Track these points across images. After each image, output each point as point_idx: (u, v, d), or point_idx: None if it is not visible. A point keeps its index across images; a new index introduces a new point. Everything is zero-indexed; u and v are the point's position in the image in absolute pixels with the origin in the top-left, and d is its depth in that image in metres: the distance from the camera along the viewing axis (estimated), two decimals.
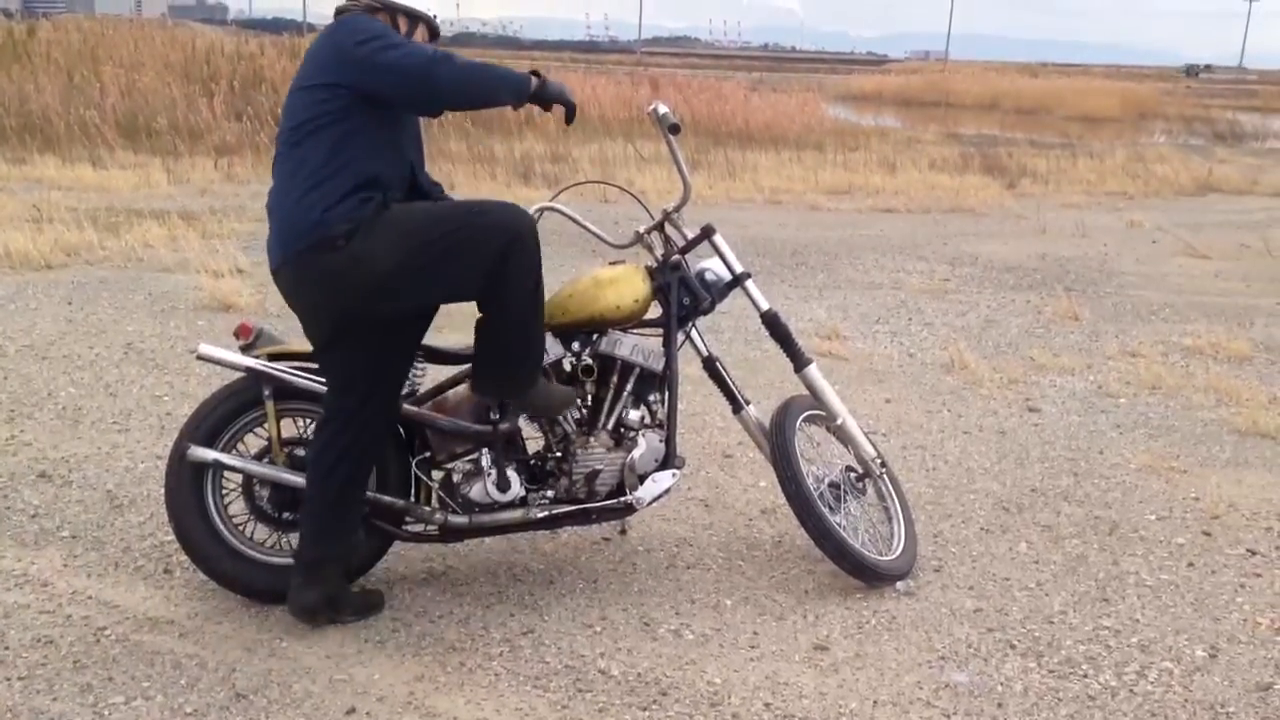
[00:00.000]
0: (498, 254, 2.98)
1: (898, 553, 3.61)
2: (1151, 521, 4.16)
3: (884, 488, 3.77)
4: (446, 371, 3.39)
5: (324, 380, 3.17)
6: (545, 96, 3.08)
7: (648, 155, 13.16)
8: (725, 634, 3.24)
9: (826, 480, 3.59)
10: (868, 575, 3.49)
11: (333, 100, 2.92)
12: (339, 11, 3.11)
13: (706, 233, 3.53)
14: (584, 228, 3.61)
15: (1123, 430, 5.20)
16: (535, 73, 3.10)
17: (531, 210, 3.49)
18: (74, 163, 12.35)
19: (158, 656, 2.99)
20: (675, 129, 3.26)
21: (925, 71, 59.39)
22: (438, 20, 3.24)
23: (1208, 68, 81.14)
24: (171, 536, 3.35)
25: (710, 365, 3.59)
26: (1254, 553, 3.92)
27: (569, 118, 3.16)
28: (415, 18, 3.14)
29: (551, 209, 3.60)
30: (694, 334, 3.55)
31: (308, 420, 3.35)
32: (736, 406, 3.62)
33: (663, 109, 3.27)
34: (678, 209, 3.53)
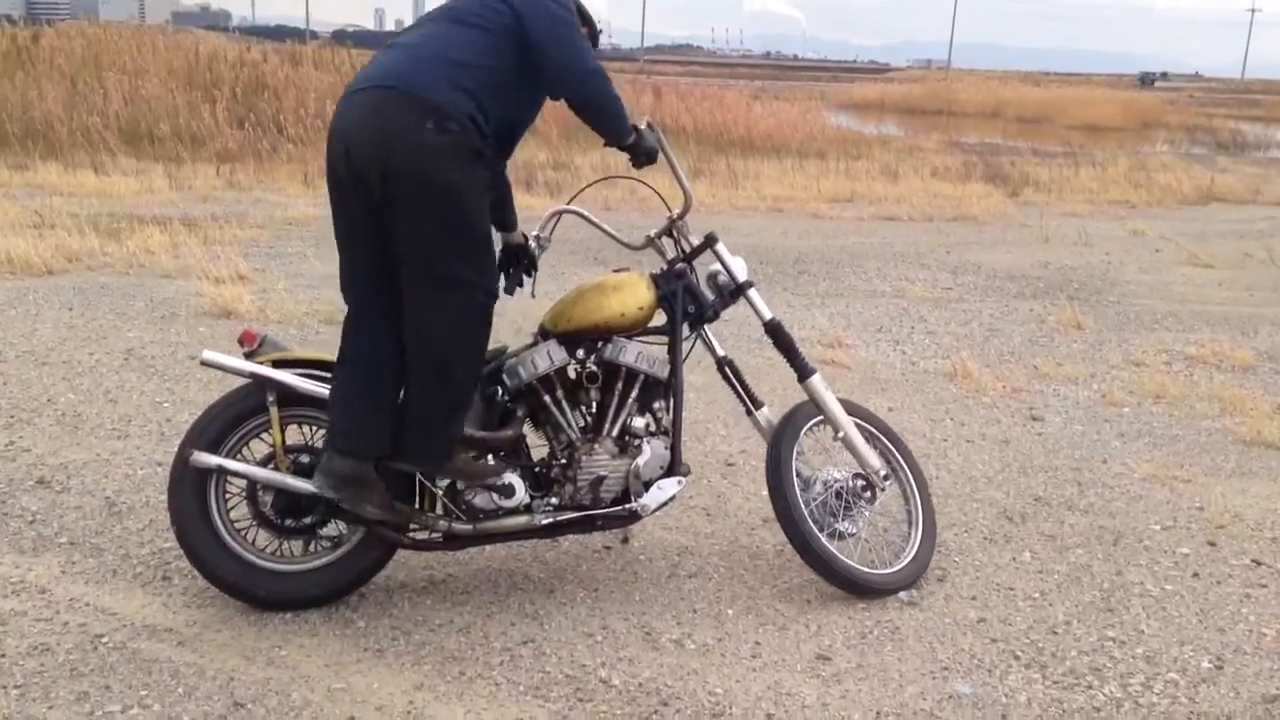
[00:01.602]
0: (470, 286, 3.03)
1: (905, 561, 3.59)
2: (1156, 531, 4.14)
3: (908, 489, 3.74)
4: None
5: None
6: (638, 150, 3.26)
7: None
8: (727, 643, 3.22)
9: (835, 487, 3.57)
10: (858, 591, 3.48)
11: (499, 18, 3.01)
12: None
13: (709, 241, 3.53)
14: (600, 229, 3.60)
15: (1126, 439, 5.18)
16: (635, 127, 3.25)
17: (548, 212, 3.49)
18: (76, 169, 12.35)
19: (155, 664, 2.97)
20: (652, 157, 3.30)
21: (927, 80, 59.53)
22: (600, 35, 3.37)
23: (1164, 75, 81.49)
24: (170, 543, 3.34)
25: (724, 367, 3.57)
26: (1259, 563, 3.89)
27: (637, 163, 3.30)
28: (585, 19, 3.26)
29: (569, 211, 3.58)
30: (709, 335, 3.55)
31: (312, 427, 3.34)
32: (749, 409, 3.60)
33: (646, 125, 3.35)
34: (681, 216, 3.53)
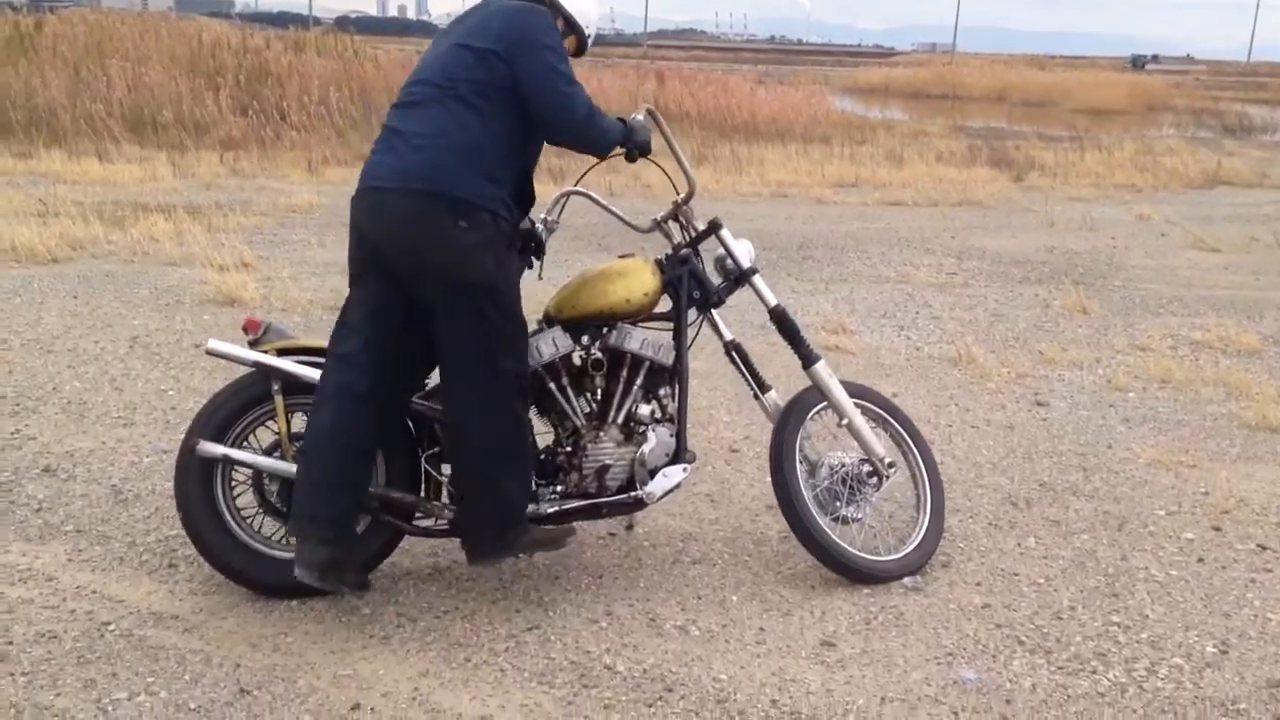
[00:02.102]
0: (508, 368, 3.09)
1: (911, 547, 3.59)
2: (1161, 517, 4.13)
3: (917, 473, 3.74)
4: None
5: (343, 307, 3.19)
6: (629, 145, 3.27)
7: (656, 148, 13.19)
8: (731, 630, 3.22)
9: (841, 472, 3.56)
10: (859, 578, 3.48)
11: (494, 79, 3.01)
12: None
13: (713, 227, 3.52)
14: (608, 210, 3.59)
15: (1131, 425, 5.18)
16: (622, 119, 3.27)
17: (556, 194, 3.50)
18: (80, 156, 12.35)
19: (162, 651, 2.98)
20: (645, 149, 3.31)
21: (932, 64, 59.20)
22: (589, 36, 3.38)
23: (1154, 58, 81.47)
24: (176, 531, 3.35)
25: (731, 350, 3.57)
26: (1264, 548, 3.89)
27: (630, 157, 3.31)
28: (573, 28, 3.30)
29: (577, 193, 3.58)
30: (715, 319, 3.55)
31: None
32: (756, 392, 3.60)
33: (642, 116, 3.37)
34: (686, 201, 3.52)
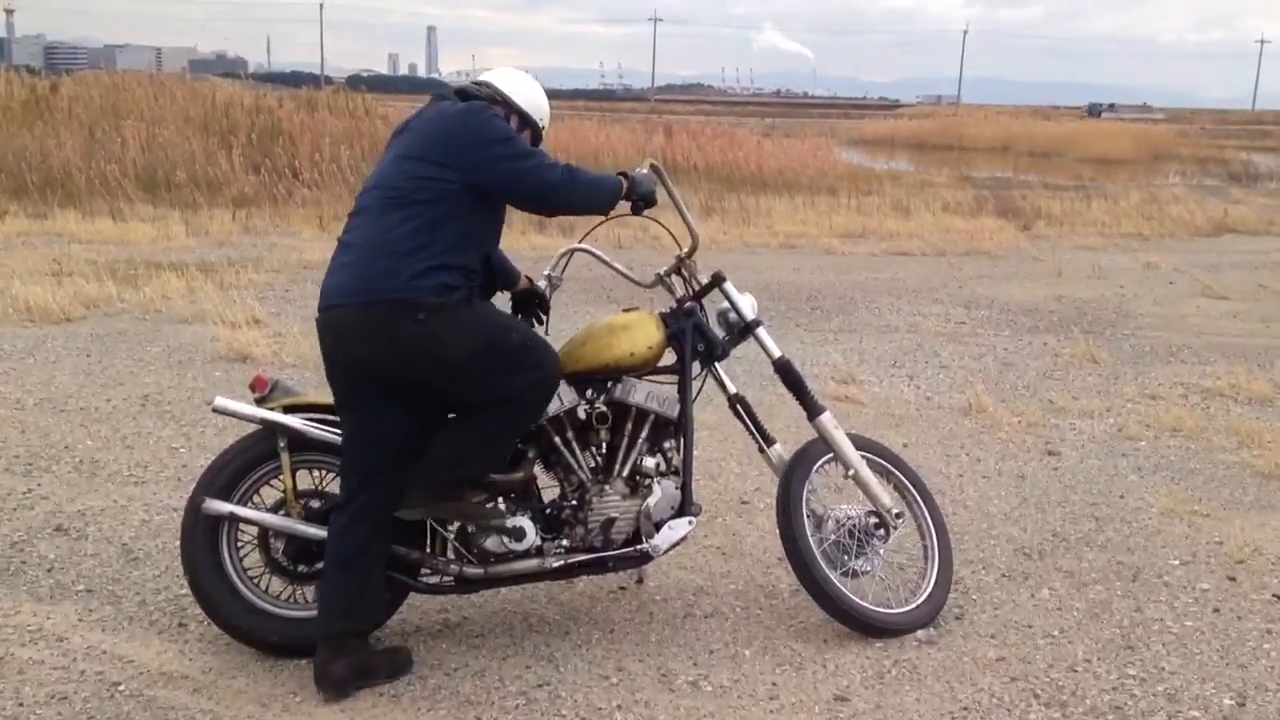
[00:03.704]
0: (529, 383, 3.11)
1: (921, 600, 3.57)
2: (1175, 567, 4.10)
3: (923, 525, 3.72)
4: None
5: (343, 440, 3.17)
6: (632, 198, 3.27)
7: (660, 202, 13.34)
8: (744, 685, 3.20)
9: (848, 525, 3.55)
10: (871, 631, 3.46)
11: (441, 184, 3.03)
12: (461, 93, 3.27)
13: (716, 280, 3.53)
14: (611, 267, 3.61)
15: (1144, 474, 5.15)
16: (623, 173, 3.28)
17: (561, 251, 3.52)
18: (94, 216, 12.50)
19: (172, 712, 2.97)
20: (649, 201, 3.32)
21: (937, 115, 59.68)
22: (542, 128, 3.40)
23: (1111, 106, 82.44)
24: (186, 590, 3.34)
25: (735, 404, 3.58)
26: None
27: (636, 210, 3.32)
28: (527, 122, 3.33)
29: (581, 250, 3.60)
30: (720, 373, 3.55)
31: (323, 472, 3.36)
32: (761, 446, 3.60)
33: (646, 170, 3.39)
34: (689, 255, 3.54)
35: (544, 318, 3.65)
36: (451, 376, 3.05)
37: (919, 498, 3.74)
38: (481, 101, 3.22)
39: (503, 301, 3.61)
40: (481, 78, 3.39)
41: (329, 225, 12.44)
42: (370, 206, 3.09)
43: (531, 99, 3.34)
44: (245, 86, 24.58)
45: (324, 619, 3.11)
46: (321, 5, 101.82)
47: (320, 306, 3.08)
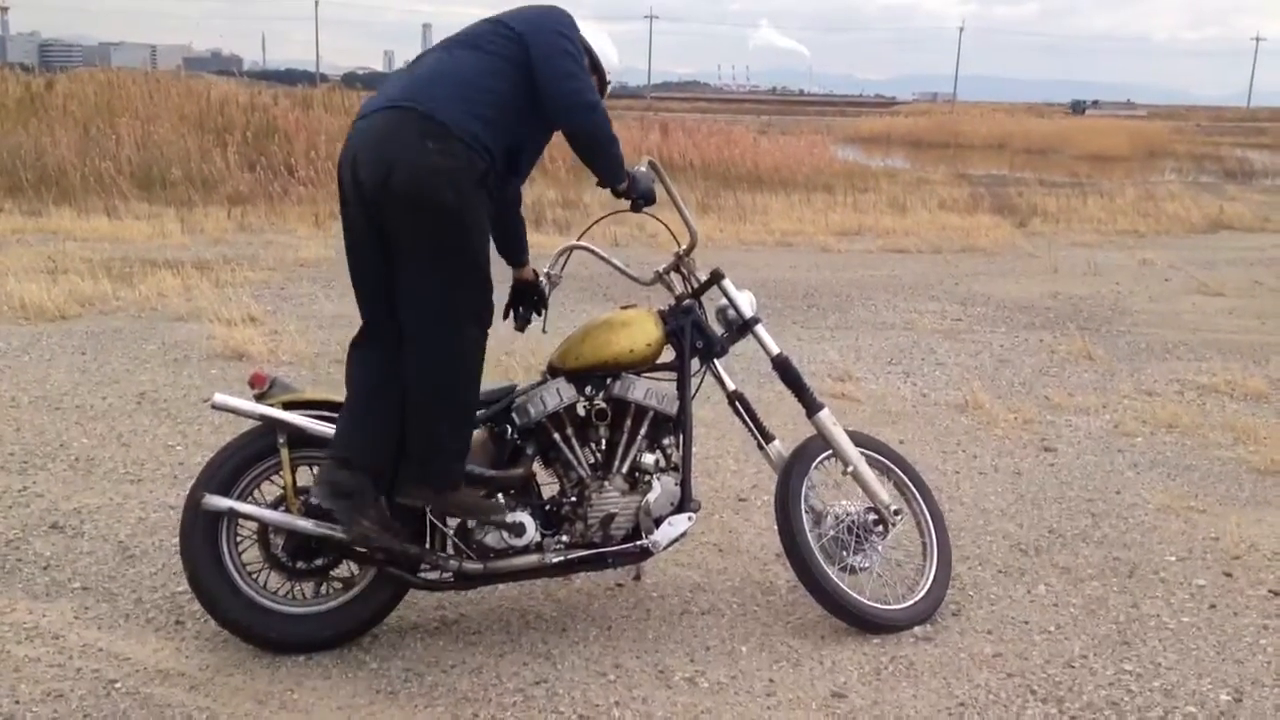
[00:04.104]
0: (467, 315, 3.06)
1: (919, 596, 3.57)
2: (1171, 563, 4.11)
3: (922, 521, 3.72)
4: None
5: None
6: (632, 194, 3.26)
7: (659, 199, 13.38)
8: (741, 681, 3.20)
9: (847, 521, 3.55)
10: (869, 627, 3.46)
11: (510, 47, 3.07)
12: None
13: (715, 277, 3.54)
14: (610, 264, 3.61)
15: (1140, 470, 5.16)
16: (630, 174, 3.26)
17: (560, 249, 3.51)
18: (89, 214, 12.46)
19: (168, 710, 2.97)
20: (649, 199, 3.30)
21: (933, 113, 59.71)
22: (610, 84, 3.39)
23: (1094, 103, 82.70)
24: (183, 587, 3.34)
25: (734, 401, 3.58)
26: (1276, 593, 3.86)
27: (635, 207, 3.31)
28: (597, 69, 3.31)
29: (580, 247, 3.60)
30: (719, 369, 3.55)
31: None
32: (760, 443, 3.60)
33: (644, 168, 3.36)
34: (688, 252, 3.54)
35: (540, 314, 3.66)
36: (412, 211, 2.95)
37: (918, 494, 3.74)
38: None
39: (500, 295, 3.62)
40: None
41: (324, 223, 12.43)
42: (433, 51, 3.16)
43: (606, 51, 3.34)
44: (240, 84, 24.55)
45: (339, 436, 3.13)
46: (317, 3, 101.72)
47: (356, 118, 3.11)
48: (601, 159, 3.18)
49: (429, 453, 3.13)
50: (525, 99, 3.07)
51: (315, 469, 3.31)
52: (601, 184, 3.25)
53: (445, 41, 3.20)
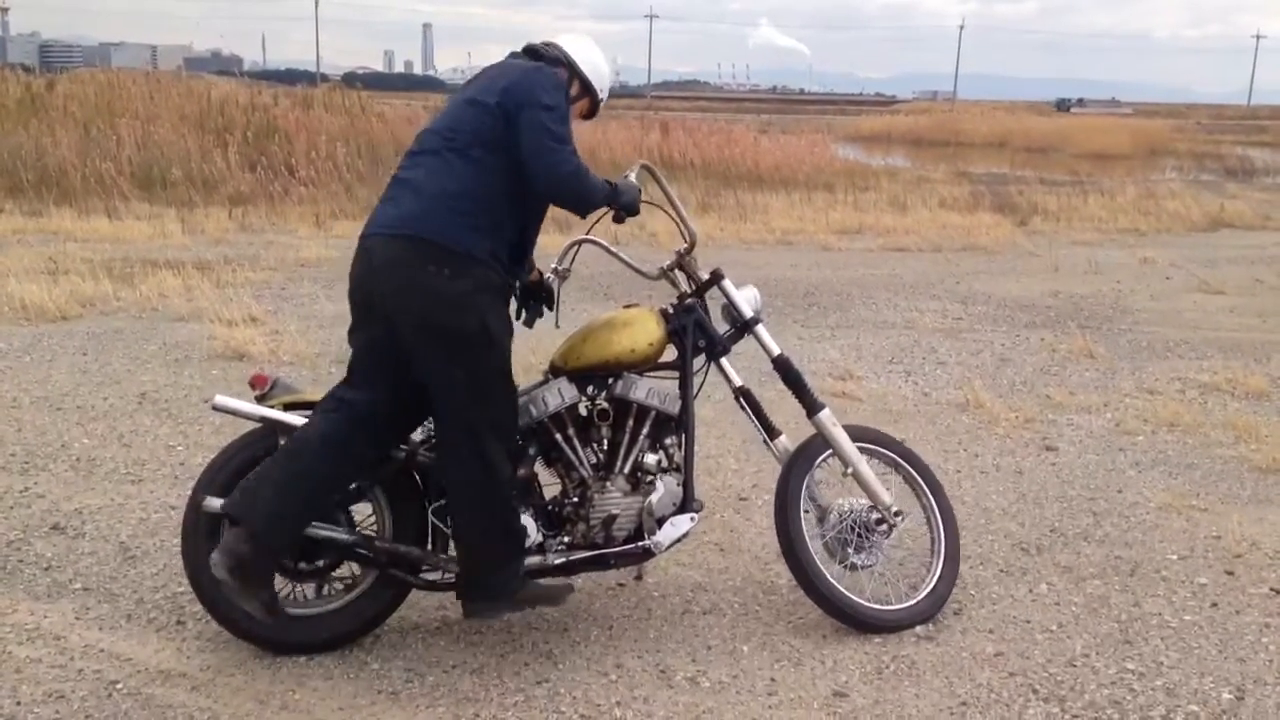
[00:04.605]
0: (493, 430, 3.10)
1: (923, 594, 3.57)
2: (1173, 561, 4.11)
3: (932, 517, 3.71)
4: None
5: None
6: (615, 206, 3.27)
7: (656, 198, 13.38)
8: (742, 680, 3.20)
9: (850, 519, 3.55)
10: (864, 626, 3.46)
11: (496, 132, 3.06)
12: (529, 52, 3.31)
13: (715, 277, 3.53)
14: (617, 257, 3.60)
15: (1141, 469, 5.15)
16: (609, 182, 3.27)
17: (568, 243, 3.51)
18: (90, 214, 12.47)
19: (170, 710, 2.97)
20: (631, 210, 3.30)
21: (933, 111, 59.66)
22: (601, 100, 3.43)
23: (1080, 101, 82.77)
24: (184, 588, 3.34)
25: (741, 396, 3.57)
26: (1278, 592, 3.86)
27: (618, 218, 3.33)
28: (587, 89, 3.36)
29: (588, 241, 3.60)
30: (725, 366, 3.55)
31: None
32: (767, 437, 3.60)
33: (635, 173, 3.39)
34: (687, 253, 3.54)
35: (547, 310, 3.65)
36: (430, 339, 3.00)
37: (928, 490, 3.73)
38: (550, 57, 3.27)
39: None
40: (553, 39, 3.39)
41: (325, 223, 12.44)
42: (426, 149, 3.14)
43: (596, 67, 3.36)
44: (241, 84, 24.53)
45: (258, 505, 3.04)
46: (317, 2, 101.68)
47: (362, 234, 3.13)
48: (576, 202, 3.21)
49: (486, 570, 3.16)
50: (518, 184, 3.09)
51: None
52: (582, 215, 3.30)
53: (432, 138, 3.15)
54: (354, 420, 3.08)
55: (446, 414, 3.08)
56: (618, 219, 3.31)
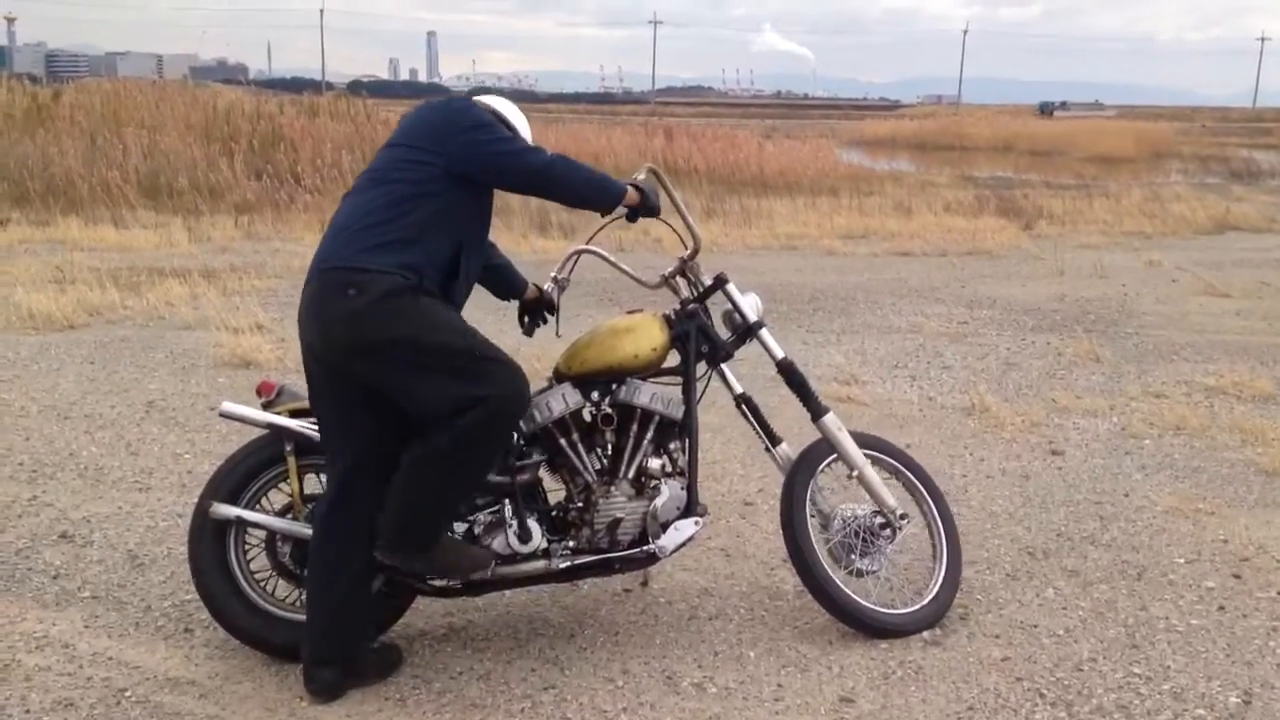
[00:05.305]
0: (472, 399, 2.94)
1: (926, 599, 3.57)
2: (1180, 565, 4.10)
3: (933, 524, 3.72)
4: None
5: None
6: (639, 210, 3.25)
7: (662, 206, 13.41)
8: (749, 686, 3.20)
9: (854, 524, 3.55)
10: (875, 632, 3.46)
11: (420, 169, 3.03)
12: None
13: (719, 282, 3.54)
14: (618, 268, 3.61)
15: (1148, 472, 5.15)
16: (634, 184, 3.24)
17: (567, 252, 3.51)
18: (96, 223, 12.52)
19: (178, 718, 2.97)
20: (654, 212, 3.30)
21: (937, 115, 59.69)
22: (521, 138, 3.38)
23: (1063, 104, 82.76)
24: (192, 595, 3.35)
25: (742, 403, 3.58)
26: None
27: (631, 218, 3.30)
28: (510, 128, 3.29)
29: (588, 251, 3.60)
30: (726, 373, 3.56)
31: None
32: (768, 445, 3.60)
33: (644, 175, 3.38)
34: (692, 258, 3.55)
35: (548, 318, 3.67)
36: (364, 358, 2.94)
37: (929, 496, 3.73)
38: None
39: (510, 308, 3.64)
40: (477, 98, 3.37)
41: None
42: (354, 188, 3.14)
43: (521, 120, 3.34)
44: (246, 92, 24.65)
45: (308, 634, 3.10)
46: (322, 11, 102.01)
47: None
48: (579, 194, 3.17)
49: (415, 516, 3.06)
50: (445, 209, 3.04)
51: (323, 476, 3.31)
52: (604, 213, 3.25)
53: (356, 183, 3.16)
54: (355, 527, 3.06)
55: (424, 408, 2.98)
56: (630, 218, 3.30)
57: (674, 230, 3.63)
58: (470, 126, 3.06)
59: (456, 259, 3.11)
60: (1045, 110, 74.80)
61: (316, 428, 3.21)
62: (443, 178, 3.03)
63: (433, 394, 2.95)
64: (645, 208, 3.26)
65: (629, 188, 3.23)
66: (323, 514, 3.10)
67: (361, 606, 3.13)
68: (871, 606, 3.48)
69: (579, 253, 3.62)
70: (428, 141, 3.07)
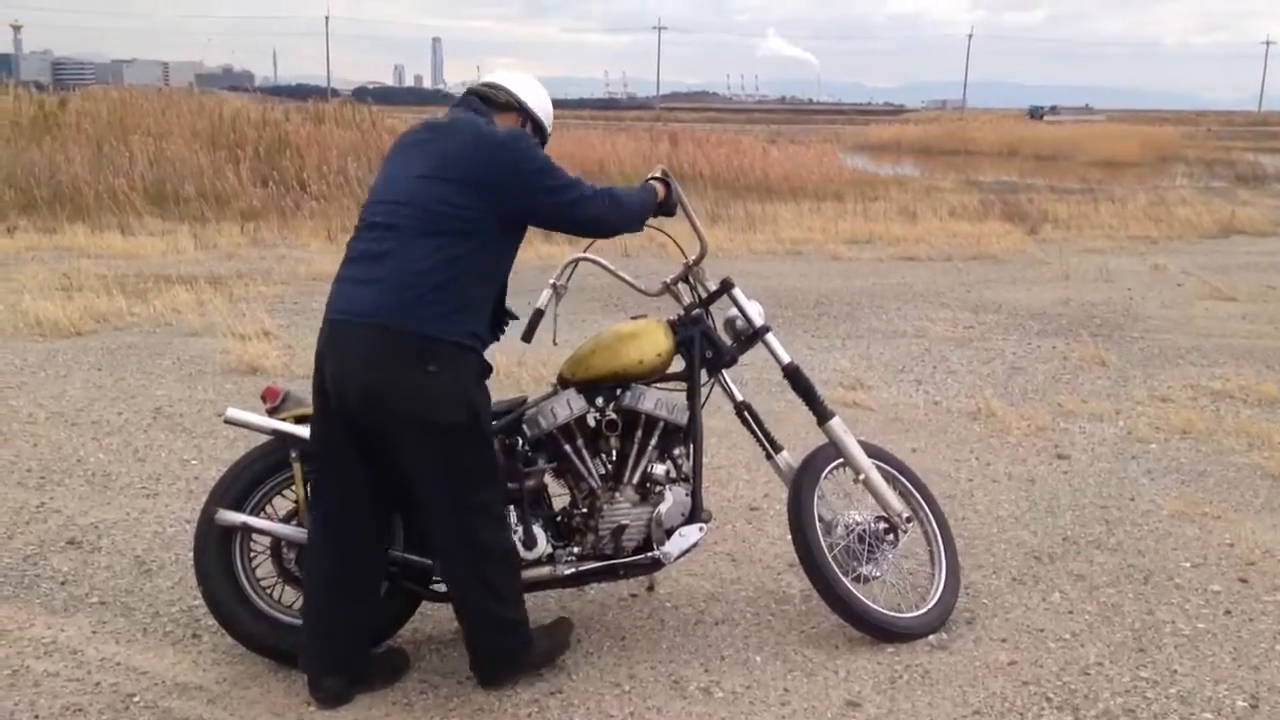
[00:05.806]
0: (485, 504, 3.06)
1: (931, 604, 3.57)
2: (1186, 569, 4.09)
3: (930, 530, 3.72)
4: None
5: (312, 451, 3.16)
6: (668, 207, 3.35)
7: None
8: (755, 691, 3.20)
9: (857, 530, 3.55)
10: (885, 636, 3.46)
11: (472, 213, 2.93)
12: (474, 94, 3.25)
13: (725, 286, 3.55)
14: (616, 276, 3.61)
15: (1154, 476, 5.14)
16: (662, 180, 3.33)
17: (566, 260, 3.53)
18: (103, 230, 12.56)
19: None
20: (669, 211, 3.35)
21: (942, 120, 59.67)
22: (549, 134, 3.38)
23: (1053, 109, 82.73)
24: (200, 601, 3.36)
25: (742, 411, 3.58)
26: None
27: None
28: (538, 128, 3.30)
29: (586, 259, 3.61)
30: (726, 380, 3.56)
31: None
32: (769, 453, 3.61)
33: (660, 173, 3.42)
34: (698, 262, 3.55)
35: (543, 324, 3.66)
36: (420, 433, 2.92)
37: (924, 503, 3.74)
38: (495, 102, 3.22)
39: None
40: (493, 80, 3.32)
41: (337, 237, 12.48)
42: (395, 224, 2.94)
43: (543, 105, 3.32)
44: (252, 100, 24.71)
45: (305, 644, 3.12)
46: (327, 18, 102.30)
47: (330, 318, 2.97)
48: (623, 229, 3.25)
49: (501, 641, 3.14)
50: (496, 256, 3.05)
51: None
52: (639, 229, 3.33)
53: (391, 214, 2.97)
54: (349, 558, 3.08)
55: (436, 500, 3.00)
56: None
57: (672, 239, 3.64)
58: (532, 173, 2.99)
59: (501, 301, 3.15)
60: (1035, 114, 74.85)
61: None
62: (494, 224, 2.97)
63: (446, 491, 2.98)
64: (669, 202, 3.33)
65: (656, 185, 3.29)
66: (316, 523, 3.10)
67: (357, 615, 3.13)
68: (882, 610, 3.48)
69: (578, 260, 3.62)
70: (482, 185, 2.94)
